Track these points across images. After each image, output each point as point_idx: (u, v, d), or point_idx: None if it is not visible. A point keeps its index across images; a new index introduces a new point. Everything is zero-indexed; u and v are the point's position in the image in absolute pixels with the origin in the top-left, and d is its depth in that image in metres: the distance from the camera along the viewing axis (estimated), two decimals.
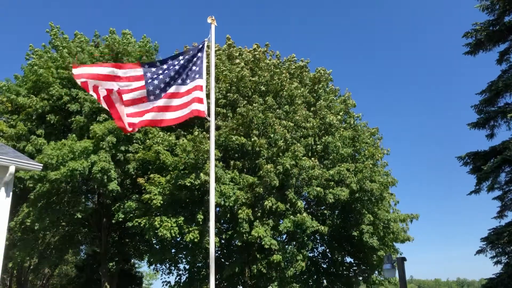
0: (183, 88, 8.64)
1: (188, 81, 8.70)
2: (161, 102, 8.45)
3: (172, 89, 8.55)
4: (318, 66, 22.18)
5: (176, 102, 8.56)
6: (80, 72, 8.18)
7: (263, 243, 16.17)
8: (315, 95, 20.66)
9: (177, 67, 8.72)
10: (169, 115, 8.53)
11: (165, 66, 8.68)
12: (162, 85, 8.55)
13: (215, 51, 18.15)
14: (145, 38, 24.43)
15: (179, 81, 8.64)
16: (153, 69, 8.62)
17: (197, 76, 8.70)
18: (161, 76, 8.59)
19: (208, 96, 9.38)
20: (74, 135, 18.99)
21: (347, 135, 19.30)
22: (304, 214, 16.70)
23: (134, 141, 19.50)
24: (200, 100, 8.60)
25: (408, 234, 20.15)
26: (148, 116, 8.38)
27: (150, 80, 8.53)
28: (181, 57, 8.84)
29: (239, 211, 16.17)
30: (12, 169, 10.60)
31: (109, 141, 18.50)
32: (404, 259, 14.06)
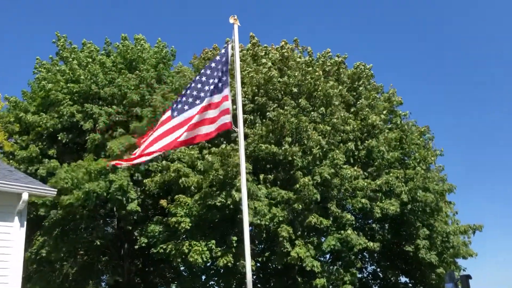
0: (213, 100, 8.87)
1: (216, 92, 8.90)
2: (193, 120, 8.74)
3: (203, 103, 8.81)
4: (356, 61, 22.02)
5: (207, 115, 8.82)
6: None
7: (304, 265, 16.05)
8: (354, 93, 20.48)
9: (203, 78, 8.98)
10: (203, 130, 8.81)
11: (192, 85, 9.02)
12: (191, 100, 8.85)
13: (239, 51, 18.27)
14: (160, 42, 24.78)
15: (208, 93, 8.89)
16: (179, 98, 9.05)
17: (224, 86, 8.90)
18: (188, 91, 8.92)
19: (233, 102, 9.47)
20: (91, 154, 19.37)
21: (393, 137, 19.04)
22: (349, 231, 16.51)
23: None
24: (226, 112, 8.77)
25: (471, 249, 19.68)
26: (179, 137, 8.72)
27: (175, 105, 8.99)
28: (207, 70, 9.11)
29: (279, 229, 16.11)
30: (25, 196, 10.86)
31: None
32: (469, 276, 13.72)
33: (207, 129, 8.85)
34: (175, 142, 8.82)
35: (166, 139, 8.77)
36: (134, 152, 9.16)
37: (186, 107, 8.87)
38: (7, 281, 10.41)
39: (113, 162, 9.14)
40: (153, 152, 8.90)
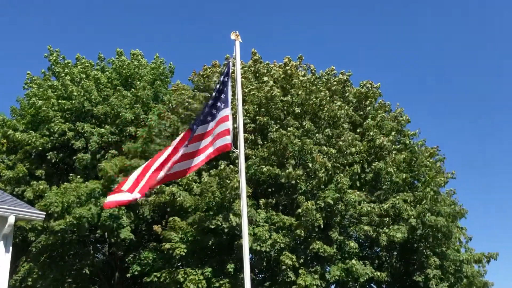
0: (211, 125, 8.86)
1: (215, 113, 8.91)
2: (190, 148, 8.71)
3: (202, 129, 8.81)
4: (362, 79, 22.10)
5: (204, 143, 8.79)
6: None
7: None
8: (361, 113, 20.49)
9: (210, 102, 9.02)
10: (195, 161, 8.77)
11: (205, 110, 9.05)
12: (201, 124, 8.87)
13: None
14: (157, 58, 24.98)
15: (209, 117, 8.88)
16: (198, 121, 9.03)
17: (222, 105, 8.89)
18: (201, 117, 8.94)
19: (234, 121, 9.49)
20: (78, 176, 19.31)
21: (401, 158, 19.01)
22: (354, 261, 16.38)
23: None
24: (226, 132, 8.74)
25: (486, 279, 19.50)
26: (174, 169, 8.66)
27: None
28: (214, 93, 9.14)
29: (282, 256, 16.00)
30: (11, 219, 10.83)
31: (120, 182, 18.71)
32: None
33: (206, 153, 8.82)
34: (179, 172, 8.83)
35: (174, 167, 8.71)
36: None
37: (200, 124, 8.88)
38: None
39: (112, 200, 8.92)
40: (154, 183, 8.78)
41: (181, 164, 8.73)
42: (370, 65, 66.60)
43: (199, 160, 8.84)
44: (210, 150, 8.81)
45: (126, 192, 8.67)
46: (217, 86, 9.15)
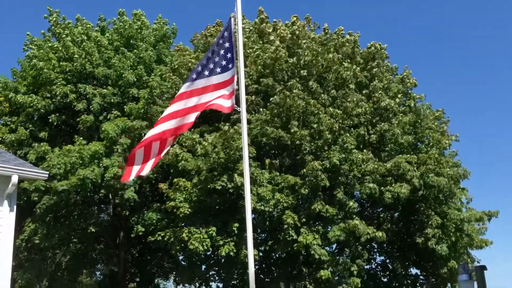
0: (219, 79, 8.72)
1: (221, 71, 8.76)
2: (192, 102, 8.58)
3: (202, 83, 8.67)
4: (367, 40, 21.78)
5: (206, 98, 8.66)
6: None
7: (312, 252, 16.02)
8: (367, 74, 20.20)
9: (210, 55, 8.84)
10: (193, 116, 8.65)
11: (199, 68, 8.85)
12: (194, 76, 8.69)
13: (243, 27, 17.93)
14: (160, 19, 24.59)
15: (207, 71, 8.73)
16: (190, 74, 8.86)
17: (230, 65, 8.75)
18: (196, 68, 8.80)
19: (236, 82, 9.36)
20: (81, 138, 19.29)
21: (406, 120, 18.90)
22: (356, 221, 16.44)
23: None
24: (231, 95, 8.66)
25: (486, 238, 19.61)
26: (176, 123, 8.57)
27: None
28: (214, 47, 8.95)
29: (284, 216, 16.08)
30: (15, 178, 10.85)
31: (123, 143, 18.69)
32: (484, 267, 13.70)
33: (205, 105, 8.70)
34: (179, 128, 8.72)
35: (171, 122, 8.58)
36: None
37: (194, 76, 8.72)
38: None
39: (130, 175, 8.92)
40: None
41: (182, 119, 8.61)
42: (378, 25, 65.71)
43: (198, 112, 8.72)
44: (209, 103, 8.68)
45: (142, 165, 8.66)
46: (219, 41, 8.94)
